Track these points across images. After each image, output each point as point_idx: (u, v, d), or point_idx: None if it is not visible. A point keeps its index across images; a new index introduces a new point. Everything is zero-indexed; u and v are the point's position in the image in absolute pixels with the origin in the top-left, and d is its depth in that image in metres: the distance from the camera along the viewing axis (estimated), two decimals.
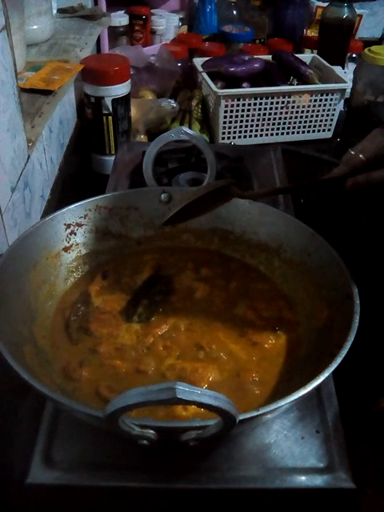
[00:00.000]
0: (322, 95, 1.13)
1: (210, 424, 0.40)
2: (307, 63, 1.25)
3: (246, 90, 1.12)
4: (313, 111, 1.15)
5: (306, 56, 1.30)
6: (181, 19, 1.55)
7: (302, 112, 1.14)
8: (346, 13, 1.33)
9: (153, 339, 0.56)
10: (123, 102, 0.99)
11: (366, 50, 1.24)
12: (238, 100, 1.09)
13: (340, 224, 0.87)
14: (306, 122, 1.16)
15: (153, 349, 0.55)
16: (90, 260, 0.65)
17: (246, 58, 1.22)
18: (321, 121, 1.17)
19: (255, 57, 1.23)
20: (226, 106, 1.09)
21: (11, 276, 0.53)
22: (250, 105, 1.10)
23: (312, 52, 1.44)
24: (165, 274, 0.65)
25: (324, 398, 0.54)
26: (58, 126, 1.01)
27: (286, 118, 1.14)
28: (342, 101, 1.16)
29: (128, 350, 0.55)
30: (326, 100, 1.14)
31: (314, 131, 1.19)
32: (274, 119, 1.14)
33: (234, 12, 1.52)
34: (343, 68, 1.35)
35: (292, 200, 0.83)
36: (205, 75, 1.15)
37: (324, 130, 1.19)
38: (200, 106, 1.17)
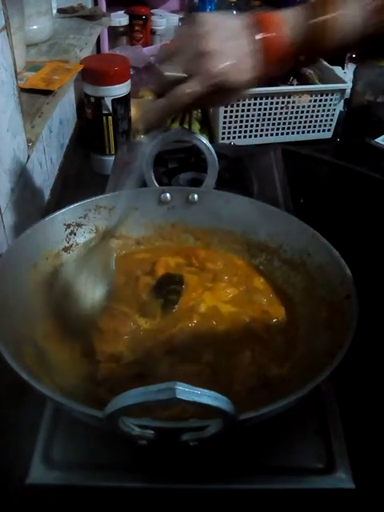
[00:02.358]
0: (321, 95, 1.13)
1: (209, 424, 0.40)
2: None
3: None
4: (313, 111, 1.15)
5: None
6: (181, 19, 1.55)
7: (302, 112, 1.14)
8: None
9: (154, 343, 0.55)
10: (123, 102, 0.99)
11: None
12: (238, 100, 1.09)
13: (340, 224, 0.87)
14: (305, 122, 1.16)
15: (153, 352, 0.55)
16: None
17: None
18: (321, 121, 1.17)
19: None
20: (226, 106, 1.09)
21: (11, 276, 0.53)
22: (249, 105, 1.10)
23: None
24: (175, 273, 0.63)
25: (324, 397, 0.54)
26: (58, 126, 1.01)
27: (286, 118, 1.14)
28: (342, 101, 1.16)
29: (128, 353, 0.55)
30: (325, 100, 1.14)
31: (313, 131, 1.18)
32: (274, 119, 1.14)
33: (234, 12, 1.52)
34: (343, 68, 1.35)
35: (292, 200, 0.83)
36: None
37: (324, 130, 1.19)
38: None
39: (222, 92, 0.53)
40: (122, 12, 1.45)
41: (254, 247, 0.66)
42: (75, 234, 0.63)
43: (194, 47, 0.52)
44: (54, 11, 1.20)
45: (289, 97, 1.11)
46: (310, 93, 1.13)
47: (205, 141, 0.65)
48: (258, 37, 0.51)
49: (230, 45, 0.52)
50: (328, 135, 1.20)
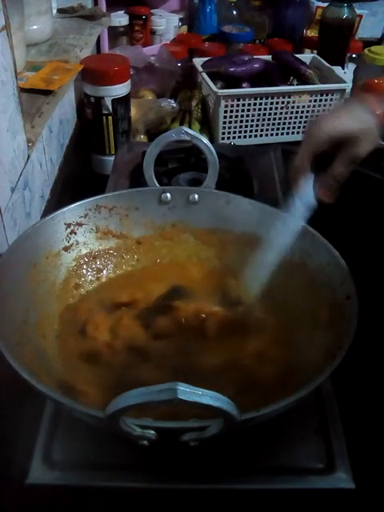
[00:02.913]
0: (321, 95, 1.13)
1: (210, 424, 0.40)
2: (307, 63, 1.25)
3: (246, 90, 1.12)
4: (313, 111, 1.15)
5: (306, 56, 1.30)
6: (181, 19, 1.55)
7: (302, 112, 1.14)
8: (345, 13, 1.33)
9: (152, 345, 0.55)
10: (123, 102, 0.99)
11: (365, 50, 1.24)
12: (238, 100, 1.09)
13: (340, 224, 0.87)
14: (306, 122, 1.16)
15: (153, 354, 0.55)
16: (90, 259, 0.65)
17: (246, 58, 1.22)
18: None
19: (255, 57, 1.23)
20: (226, 106, 1.09)
21: (11, 276, 0.53)
22: (249, 105, 1.10)
23: (312, 52, 1.44)
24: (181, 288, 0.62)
25: (324, 397, 0.54)
26: (58, 126, 1.01)
27: (285, 118, 1.14)
28: (342, 101, 1.16)
29: (128, 353, 0.55)
30: (325, 100, 1.14)
31: None
32: (274, 119, 1.14)
33: (234, 12, 1.52)
34: (343, 68, 1.35)
35: None
36: (205, 75, 1.15)
37: None
38: (200, 106, 1.17)
39: None
40: (122, 12, 1.45)
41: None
42: (75, 233, 0.63)
43: None
44: (54, 11, 1.20)
45: (289, 97, 1.11)
46: (310, 93, 1.13)
47: (205, 141, 0.65)
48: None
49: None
50: None
